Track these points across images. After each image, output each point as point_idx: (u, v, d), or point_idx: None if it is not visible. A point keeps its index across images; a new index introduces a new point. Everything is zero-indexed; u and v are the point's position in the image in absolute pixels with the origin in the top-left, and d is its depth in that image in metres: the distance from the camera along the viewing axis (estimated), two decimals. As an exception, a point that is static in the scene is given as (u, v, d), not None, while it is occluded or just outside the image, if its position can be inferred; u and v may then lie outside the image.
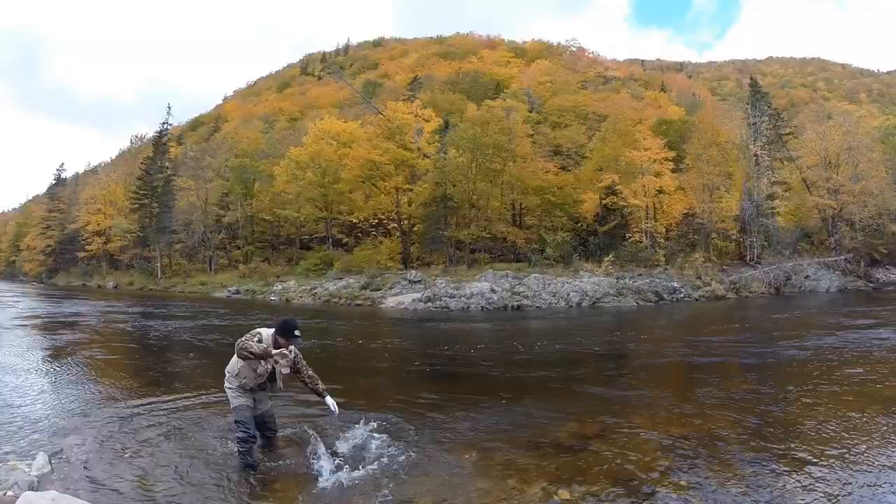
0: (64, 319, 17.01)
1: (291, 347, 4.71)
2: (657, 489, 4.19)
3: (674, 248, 29.10)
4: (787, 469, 4.37)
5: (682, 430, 5.51)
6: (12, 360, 9.71)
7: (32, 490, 3.87)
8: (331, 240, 35.37)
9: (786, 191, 31.57)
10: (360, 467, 4.64)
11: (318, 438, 4.87)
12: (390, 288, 24.53)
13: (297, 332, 4.63)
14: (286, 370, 4.74)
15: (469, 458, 4.99)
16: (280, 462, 4.90)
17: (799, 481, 4.12)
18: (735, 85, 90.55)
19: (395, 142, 31.36)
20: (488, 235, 30.45)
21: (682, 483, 4.25)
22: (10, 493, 4.07)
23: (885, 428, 5.36)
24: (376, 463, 4.76)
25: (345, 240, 35.61)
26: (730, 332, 13.37)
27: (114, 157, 73.00)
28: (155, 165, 44.61)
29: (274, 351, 4.55)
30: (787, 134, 34.12)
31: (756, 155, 30.84)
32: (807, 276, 25.62)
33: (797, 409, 6.10)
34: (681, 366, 9.25)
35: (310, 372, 4.94)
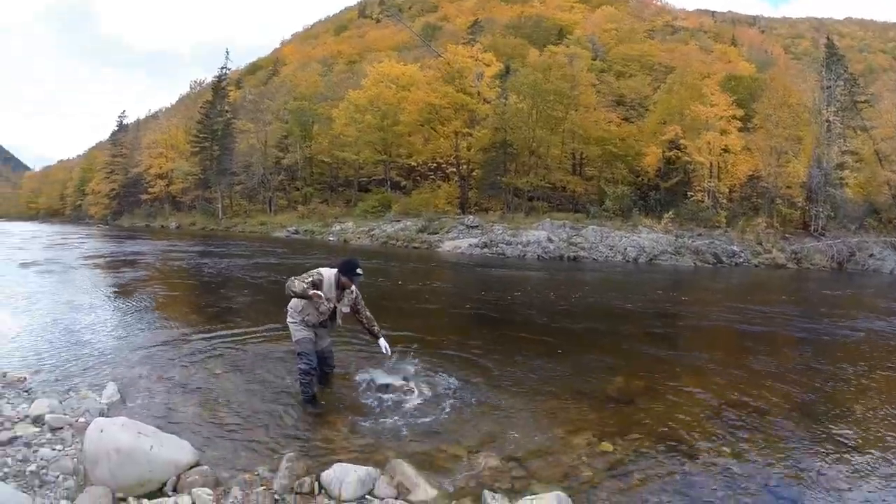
0: (128, 258, 17.46)
1: (353, 288, 4.83)
2: (699, 453, 4.15)
3: (736, 210, 28.04)
4: (832, 452, 4.20)
5: (730, 397, 5.40)
6: (81, 297, 10.05)
7: (103, 416, 4.03)
8: (389, 182, 35.60)
9: (857, 161, 29.79)
10: (409, 406, 4.78)
11: (373, 377, 5.08)
12: (447, 232, 24.75)
13: (358, 271, 4.71)
14: (346, 309, 4.85)
15: (516, 404, 5.02)
16: (336, 396, 5.02)
17: (842, 467, 3.97)
18: (810, 44, 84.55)
19: (455, 86, 31.03)
20: (547, 184, 30.10)
21: (725, 450, 4.19)
22: (81, 419, 4.26)
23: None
24: (425, 403, 4.87)
25: (403, 183, 35.79)
26: (787, 302, 12.88)
27: (174, 103, 74.41)
28: (215, 109, 45.52)
29: (312, 292, 4.55)
30: (862, 101, 31.96)
31: (828, 121, 29.02)
32: (871, 255, 24.23)
33: (848, 391, 5.84)
34: (734, 332, 8.98)
35: (367, 313, 5.02)
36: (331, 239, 28.25)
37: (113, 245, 23.91)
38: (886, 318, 10.06)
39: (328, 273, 4.73)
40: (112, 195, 59.65)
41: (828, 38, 37.21)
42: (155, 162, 51.19)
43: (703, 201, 27.90)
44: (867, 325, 9.38)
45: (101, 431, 3.44)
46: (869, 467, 3.97)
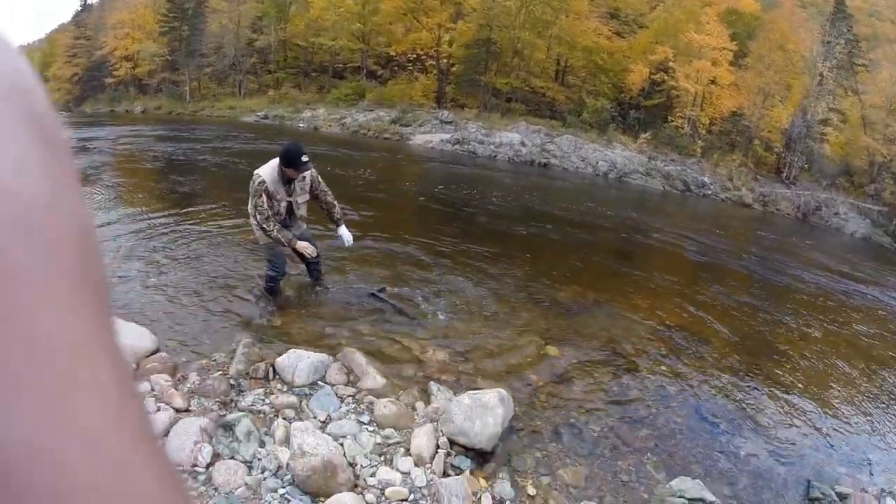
0: (87, 145, 16.51)
1: (306, 174, 4.28)
2: (638, 368, 4.30)
3: (713, 143, 27.93)
4: (762, 388, 4.38)
5: (676, 321, 5.52)
6: None
7: None
8: (365, 70, 34.25)
9: (841, 121, 29.55)
10: (366, 300, 4.85)
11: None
12: (420, 125, 24.12)
13: (303, 159, 4.09)
14: (303, 199, 4.40)
15: (469, 303, 5.10)
16: (296, 287, 4.97)
17: (770, 403, 4.15)
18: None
19: (444, -25, 29.30)
20: (527, 87, 29.45)
21: (663, 369, 4.34)
22: None
23: (861, 382, 5.18)
24: (382, 294, 4.93)
25: (379, 72, 34.31)
26: (747, 241, 13.02)
27: (144, -21, 69.59)
28: (187, -14, 42.50)
29: (307, 251, 4.36)
30: (860, 64, 31.37)
31: (822, 75, 28.51)
32: (836, 213, 24.43)
33: (787, 336, 6.01)
34: (690, 260, 9.10)
35: (329, 197, 4.48)
36: (300, 125, 27.42)
37: (76, 132, 22.30)
38: (838, 278, 10.23)
39: (268, 173, 4.18)
40: (74, 80, 55.90)
41: (839, -7, 36.16)
42: (120, 43, 48.05)
43: (681, 128, 27.71)
44: (817, 280, 9.53)
45: None
46: (794, 408, 4.17)
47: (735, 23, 30.57)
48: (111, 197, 8.87)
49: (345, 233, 4.51)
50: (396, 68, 33.01)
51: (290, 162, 4.09)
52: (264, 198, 4.10)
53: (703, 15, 29.08)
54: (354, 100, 29.85)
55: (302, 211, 4.46)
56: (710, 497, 2.84)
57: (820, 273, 10.10)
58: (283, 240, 4.16)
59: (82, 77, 54.71)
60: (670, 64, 27.65)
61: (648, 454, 3.29)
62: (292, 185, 4.26)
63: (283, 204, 4.26)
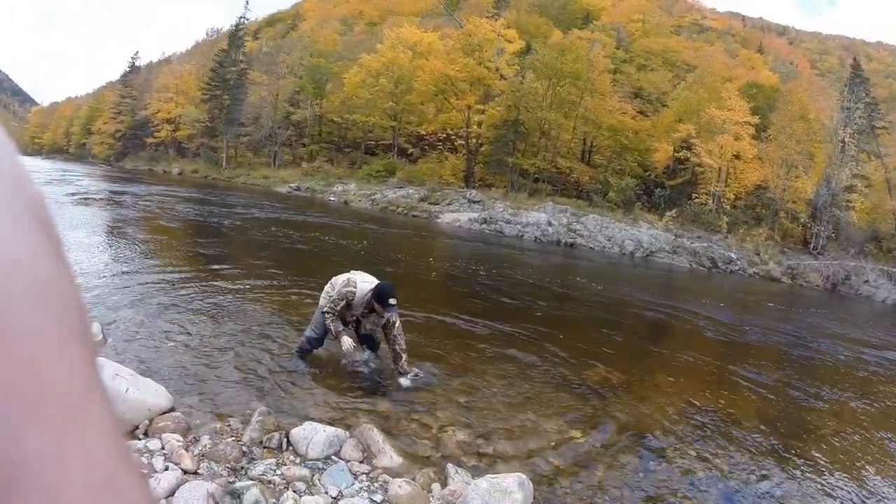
0: (125, 200, 17.13)
1: (386, 316, 4.45)
2: (666, 452, 4.17)
3: (738, 217, 27.93)
4: (795, 471, 4.19)
5: (705, 401, 5.39)
6: (70, 236, 9.76)
7: None
8: (396, 148, 35.36)
9: (866, 186, 29.68)
10: (388, 376, 4.82)
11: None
12: (449, 204, 24.68)
13: (391, 301, 4.30)
14: (370, 327, 4.66)
15: (492, 383, 5.06)
16: (321, 359, 4.98)
17: (804, 487, 3.96)
18: (837, 63, 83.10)
19: (474, 58, 30.63)
20: (553, 168, 29.96)
21: (691, 453, 4.20)
22: None
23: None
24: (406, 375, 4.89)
25: (410, 150, 35.52)
26: (776, 317, 12.76)
27: (189, 49, 73.63)
28: (229, 58, 44.94)
29: (345, 347, 4.46)
30: (880, 127, 31.67)
31: (843, 142, 28.72)
32: (866, 281, 23.98)
33: (820, 414, 5.81)
34: (719, 338, 8.87)
35: (398, 346, 4.58)
36: (331, 199, 28.15)
37: (112, 185, 23.46)
38: (870, 349, 9.92)
39: (362, 290, 4.45)
40: (118, 136, 59.21)
41: (854, 59, 36.45)
42: (164, 106, 50.74)
43: (706, 204, 27.82)
44: (850, 353, 9.27)
45: None
46: (830, 491, 3.96)
47: (756, 96, 31.07)
48: (140, 252, 9.09)
49: (405, 381, 4.60)
50: (427, 147, 34.12)
51: (380, 299, 4.32)
52: (345, 302, 4.41)
53: (724, 90, 29.68)
54: (385, 176, 30.70)
55: (368, 327, 4.70)
56: None
57: (851, 345, 9.84)
58: (332, 329, 4.46)
59: (125, 134, 57.74)
60: (693, 140, 28.04)
61: None
62: (371, 314, 4.51)
63: (354, 319, 4.57)
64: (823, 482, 4.07)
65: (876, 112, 32.12)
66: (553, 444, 4.05)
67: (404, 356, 4.60)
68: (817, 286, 22.87)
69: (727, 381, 6.28)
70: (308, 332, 4.72)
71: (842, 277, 23.66)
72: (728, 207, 28.37)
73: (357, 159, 36.79)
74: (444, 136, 32.79)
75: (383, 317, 4.46)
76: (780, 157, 27.65)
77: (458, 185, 29.04)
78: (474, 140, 31.95)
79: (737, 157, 28.14)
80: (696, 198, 28.04)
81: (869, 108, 31.05)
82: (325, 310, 4.46)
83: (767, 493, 3.77)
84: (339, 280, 4.57)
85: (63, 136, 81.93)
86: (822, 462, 4.40)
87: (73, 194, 17.56)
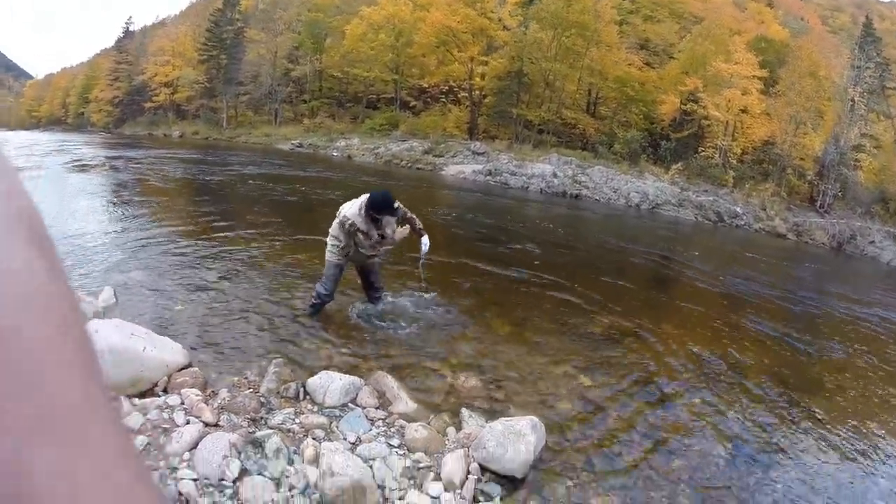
0: (126, 165, 17.02)
1: (390, 218, 4.50)
2: (672, 400, 4.23)
3: (745, 172, 27.56)
4: (798, 422, 4.23)
5: (711, 351, 5.41)
6: (75, 203, 9.77)
7: (98, 319, 4.00)
8: (398, 102, 34.96)
9: (875, 147, 29.04)
10: (399, 324, 4.87)
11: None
12: (453, 156, 24.44)
13: (396, 205, 4.34)
14: (392, 231, 4.64)
15: (502, 329, 5.10)
16: (333, 309, 5.02)
17: (805, 438, 3.99)
18: (849, 20, 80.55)
19: (476, 9, 29.96)
20: (558, 119, 29.58)
21: (696, 401, 4.26)
22: None
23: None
24: (414, 321, 4.98)
25: (412, 103, 35.05)
26: (782, 272, 12.76)
27: (182, 10, 71.87)
28: (225, 17, 43.97)
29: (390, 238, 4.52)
30: (891, 88, 30.90)
31: (853, 100, 28.13)
32: (872, 241, 23.68)
33: (824, 367, 5.81)
34: (725, 291, 8.87)
35: (413, 217, 4.75)
36: (334, 154, 27.95)
37: (112, 152, 23.24)
38: (875, 308, 9.87)
39: (350, 210, 4.41)
40: (115, 102, 58.13)
41: (867, 18, 35.50)
42: (160, 70, 49.84)
43: (712, 158, 27.52)
44: (854, 311, 9.24)
45: (96, 332, 3.43)
46: (832, 442, 4.01)
47: (765, 50, 30.45)
48: (144, 214, 9.08)
49: (426, 240, 4.79)
50: (429, 100, 33.65)
51: (379, 210, 4.33)
52: (357, 232, 4.39)
53: (731, 44, 29.10)
54: (388, 130, 30.40)
55: (390, 233, 4.68)
56: None
57: (855, 304, 9.81)
58: (376, 249, 4.56)
59: (123, 100, 56.61)
60: (700, 94, 27.61)
61: (682, 486, 3.20)
62: (380, 222, 4.47)
63: (376, 237, 4.52)
64: (826, 433, 4.11)
65: (887, 72, 31.39)
66: (562, 388, 4.13)
67: (417, 220, 4.78)
68: (822, 244, 22.65)
69: (732, 332, 6.29)
70: (319, 288, 4.75)
71: (847, 237, 23.43)
72: (735, 162, 28.07)
73: (359, 114, 36.33)
74: (447, 88, 32.37)
75: (394, 216, 4.51)
76: (789, 114, 27.18)
77: (461, 137, 28.74)
78: (477, 92, 31.47)
79: (744, 111, 27.68)
80: (703, 151, 27.72)
81: (880, 69, 30.36)
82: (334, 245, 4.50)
83: (772, 441, 3.81)
84: (333, 227, 4.60)
85: (60, 107, 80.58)
86: (824, 414, 4.44)
87: (72, 163, 17.37)
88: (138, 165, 17.33)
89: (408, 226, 4.73)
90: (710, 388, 4.51)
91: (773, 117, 27.87)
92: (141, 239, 7.28)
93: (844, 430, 4.22)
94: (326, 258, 4.69)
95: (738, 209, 23.44)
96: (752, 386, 4.71)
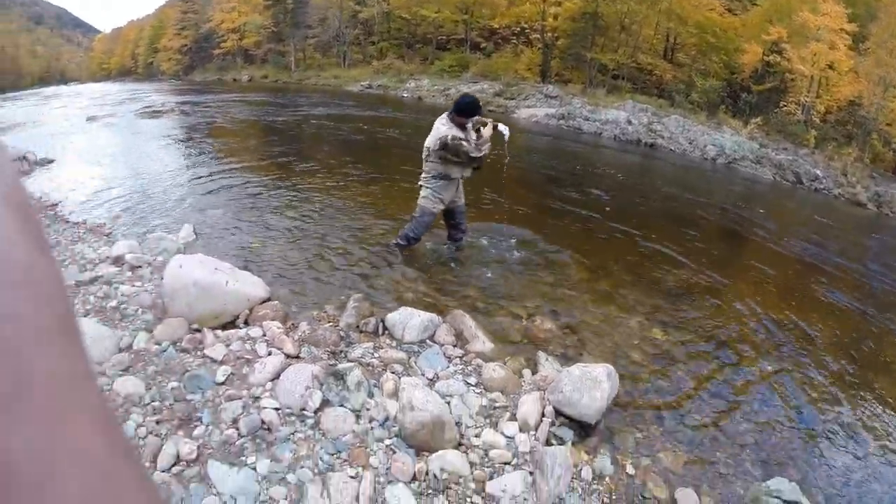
0: (197, 110, 17.23)
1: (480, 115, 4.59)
2: (743, 362, 4.13)
3: (828, 133, 26.07)
4: (866, 399, 4.03)
5: (784, 317, 5.21)
6: (151, 146, 10.09)
7: (181, 255, 4.12)
8: (468, 43, 34.39)
9: None
10: (478, 264, 4.94)
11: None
12: (525, 99, 24.14)
13: (476, 108, 4.48)
14: (473, 136, 4.64)
15: (578, 276, 5.08)
16: (415, 248, 5.08)
17: (872, 417, 3.80)
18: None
19: (549, -54, 28.96)
20: (633, 64, 28.60)
21: (766, 366, 4.14)
22: (159, 258, 4.44)
23: None
24: (493, 263, 5.03)
25: (483, 44, 34.35)
26: (861, 244, 11.89)
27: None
28: (291, -40, 43.95)
29: (503, 130, 4.52)
30: None
31: None
32: None
33: (891, 351, 5.31)
34: (800, 257, 8.34)
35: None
36: (404, 95, 27.90)
37: (182, 97, 23.60)
38: None
39: (439, 127, 4.48)
40: (184, 51, 59.18)
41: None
42: (227, 16, 50.37)
43: (794, 114, 26.15)
44: None
45: (181, 267, 3.56)
46: (893, 430, 3.81)
47: (854, 2, 28.36)
48: (217, 155, 9.27)
49: (504, 127, 4.71)
50: (500, 41, 32.87)
51: (474, 110, 4.46)
52: (466, 142, 4.42)
53: (819, -7, 27.25)
54: (458, 72, 30.04)
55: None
56: (805, 502, 2.72)
57: None
58: (485, 150, 4.55)
59: (191, 48, 57.70)
60: (784, 44, 26.07)
61: (747, 450, 3.17)
62: (466, 130, 4.55)
63: (474, 137, 4.57)
64: (889, 418, 3.92)
65: None
66: (635, 339, 4.11)
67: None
68: None
69: (805, 299, 6.06)
70: (409, 232, 4.83)
71: None
72: (817, 121, 26.57)
73: (428, 55, 35.91)
74: (519, 29, 31.49)
75: (484, 122, 4.58)
76: (878, 74, 25.16)
77: (533, 80, 28.14)
78: (550, 34, 30.53)
79: (830, 67, 26.00)
80: (784, 107, 26.32)
81: None
82: (469, 151, 4.47)
83: (838, 420, 3.70)
84: (431, 167, 4.62)
85: (130, 58, 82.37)
86: (890, 398, 4.22)
87: (144, 109, 17.67)
88: (208, 109, 17.58)
89: (488, 122, 4.72)
90: (781, 354, 4.42)
91: (861, 76, 26.09)
92: (216, 179, 7.47)
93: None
94: (422, 204, 4.72)
95: (818, 172, 22.40)
96: (823, 358, 4.57)
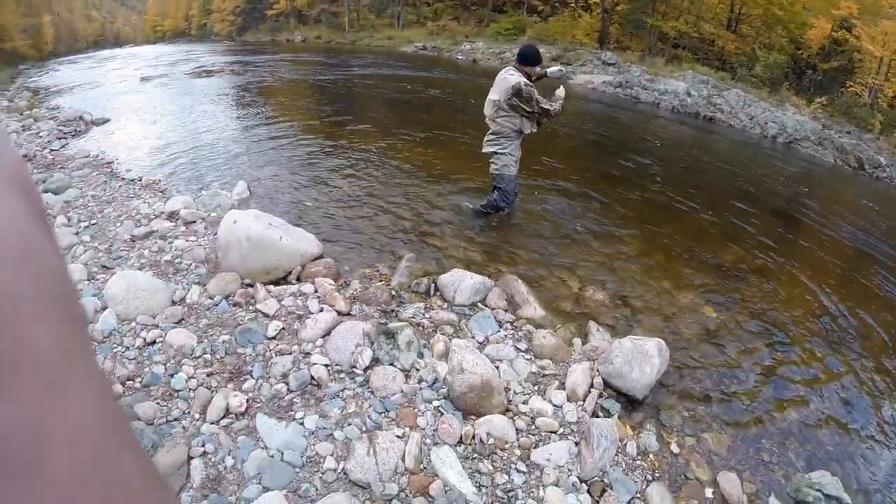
0: (250, 69, 17.10)
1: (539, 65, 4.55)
2: (794, 347, 4.02)
3: (894, 119, 25.17)
4: None
5: (840, 306, 5.03)
6: (204, 105, 10.12)
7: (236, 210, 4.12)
8: (525, 5, 33.59)
9: None
10: (532, 231, 4.87)
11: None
12: (582, 64, 23.78)
13: (537, 55, 4.47)
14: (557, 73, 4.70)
15: (632, 249, 4.98)
16: (467, 212, 5.08)
17: None
18: None
19: None
20: (696, 34, 27.64)
21: (818, 354, 4.02)
22: (213, 214, 4.48)
23: None
24: (547, 230, 4.97)
25: (540, 7, 33.33)
26: None
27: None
28: (343, -82, 43.47)
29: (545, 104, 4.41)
30: None
31: None
32: None
33: None
34: (857, 246, 8.07)
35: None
36: (459, 57, 27.65)
37: (235, 58, 23.45)
38: None
39: (506, 77, 4.39)
40: (237, 12, 58.71)
41: None
42: (299, -23, 50.57)
43: (860, 96, 25.14)
44: None
45: (235, 222, 3.57)
46: None
47: (933, -20, 26.93)
48: (270, 114, 9.28)
49: (556, 68, 4.78)
50: (558, 4, 31.96)
51: (538, 58, 4.46)
52: (535, 94, 4.34)
53: (894, -34, 25.88)
54: (514, 35, 29.39)
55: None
56: (846, 499, 2.66)
57: None
58: (560, 103, 4.53)
59: (244, 9, 57.36)
60: (854, 20, 25.02)
61: (792, 439, 3.12)
62: (536, 76, 4.51)
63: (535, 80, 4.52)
64: None
65: None
66: (686, 316, 4.04)
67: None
68: None
69: (860, 290, 5.87)
70: (500, 202, 4.75)
71: None
72: (884, 105, 25.55)
73: (484, 17, 35.16)
74: (578, -8, 30.80)
75: (544, 69, 4.60)
76: None
77: (591, 45, 27.38)
78: (611, -1, 29.89)
79: (902, 49, 24.95)
80: (850, 87, 25.33)
81: None
82: (542, 110, 4.42)
83: (888, 418, 3.58)
84: (503, 124, 4.54)
85: (183, 20, 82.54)
86: None
87: (197, 69, 17.65)
88: (260, 69, 17.51)
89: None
90: (833, 344, 4.29)
91: (935, 62, 24.96)
92: (270, 137, 7.51)
93: None
94: (503, 173, 4.61)
95: (881, 158, 21.59)
96: (877, 353, 4.40)
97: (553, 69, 4.67)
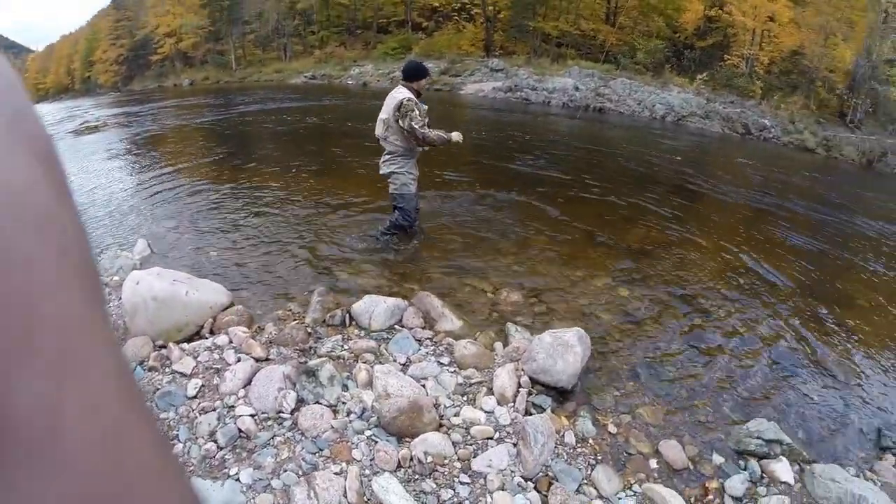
0: (138, 121, 16.54)
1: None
2: (708, 311, 4.21)
3: (772, 84, 26.51)
4: (831, 334, 4.18)
5: (743, 264, 5.33)
6: (93, 164, 9.62)
7: (137, 270, 3.98)
8: (410, 23, 33.96)
9: None
10: (434, 244, 4.92)
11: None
12: (470, 74, 23.86)
13: (424, 68, 4.47)
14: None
15: (537, 245, 5.09)
16: (366, 235, 5.05)
17: (839, 350, 3.94)
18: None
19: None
20: (577, 31, 28.51)
21: (733, 311, 4.23)
22: (115, 277, 4.27)
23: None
24: (450, 241, 5.01)
25: (424, 24, 33.83)
26: (811, 187, 12.20)
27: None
28: (222, -44, 42.60)
29: (456, 138, 4.39)
30: None
31: (886, 12, 26.35)
32: None
33: (856, 284, 5.53)
34: (754, 205, 8.56)
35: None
36: (349, 82, 27.39)
37: (122, 109, 22.51)
38: None
39: (395, 95, 4.34)
40: (120, 61, 56.81)
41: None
42: (162, 20, 48.75)
43: (738, 67, 26.46)
44: (884, 228, 8.76)
45: (138, 283, 3.47)
46: (865, 356, 3.97)
47: (791, -46, 28.85)
48: (163, 165, 8.92)
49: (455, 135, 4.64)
50: (441, 19, 32.49)
51: (422, 72, 4.39)
52: (417, 110, 4.23)
53: (754, -55, 27.54)
54: (402, 54, 29.48)
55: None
56: (785, 439, 2.80)
57: (888, 221, 9.37)
58: (444, 137, 4.31)
59: (128, 57, 55.55)
60: (725, -1, 26.47)
61: (724, 395, 3.25)
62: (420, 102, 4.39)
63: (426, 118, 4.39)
64: (860, 349, 4.06)
65: (925, -18, 29.49)
66: (602, 300, 4.15)
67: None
68: (852, 161, 21.80)
69: (764, 245, 6.16)
70: (402, 221, 4.69)
71: (878, 153, 22.67)
72: (762, 72, 26.96)
73: (370, 40, 35.22)
74: (460, 5, 31.13)
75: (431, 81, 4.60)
76: (818, 23, 25.78)
77: (478, 55, 27.86)
78: (491, 7, 30.26)
79: (771, 19, 26.44)
80: (728, 60, 26.64)
81: (917, -23, 28.51)
82: (423, 133, 4.24)
83: (808, 355, 3.81)
84: (395, 144, 4.47)
85: (66, 75, 78.97)
86: (859, 331, 4.35)
87: (82, 126, 16.79)
88: (149, 119, 16.96)
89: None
90: (747, 299, 4.50)
91: (802, 26, 26.54)
92: (165, 189, 7.24)
93: (877, 347, 4.16)
94: (402, 192, 4.55)
95: (766, 121, 22.67)
96: (787, 298, 4.68)
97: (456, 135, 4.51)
